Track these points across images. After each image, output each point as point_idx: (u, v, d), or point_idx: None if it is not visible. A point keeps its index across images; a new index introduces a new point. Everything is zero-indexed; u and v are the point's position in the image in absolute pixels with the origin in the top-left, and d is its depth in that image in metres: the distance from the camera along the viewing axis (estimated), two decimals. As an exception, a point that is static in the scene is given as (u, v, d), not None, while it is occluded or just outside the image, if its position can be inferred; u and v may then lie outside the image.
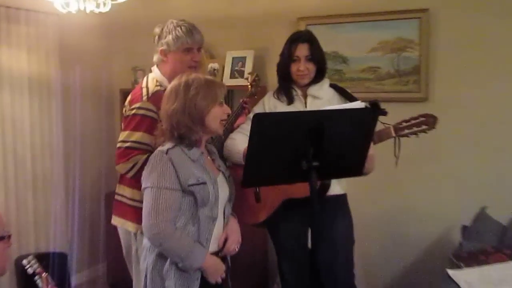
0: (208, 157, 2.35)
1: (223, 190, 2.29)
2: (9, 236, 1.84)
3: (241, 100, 3.03)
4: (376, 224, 3.80)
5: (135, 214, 2.54)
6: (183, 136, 2.19)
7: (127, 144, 2.52)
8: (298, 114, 2.24)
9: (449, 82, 3.56)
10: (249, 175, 2.04)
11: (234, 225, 2.39)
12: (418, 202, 3.68)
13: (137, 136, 2.51)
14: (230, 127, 2.87)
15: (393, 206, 3.76)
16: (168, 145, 2.20)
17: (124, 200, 2.68)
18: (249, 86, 3.14)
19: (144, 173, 2.22)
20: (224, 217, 2.32)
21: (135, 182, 2.45)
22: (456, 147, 3.57)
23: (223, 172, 2.36)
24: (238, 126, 2.88)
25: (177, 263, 2.14)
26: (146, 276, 2.22)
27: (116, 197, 2.77)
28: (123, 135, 2.58)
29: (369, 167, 2.37)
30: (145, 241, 2.26)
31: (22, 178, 3.85)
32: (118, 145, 2.57)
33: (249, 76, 3.29)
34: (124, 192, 2.67)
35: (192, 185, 2.15)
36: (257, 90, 3.16)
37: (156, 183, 2.13)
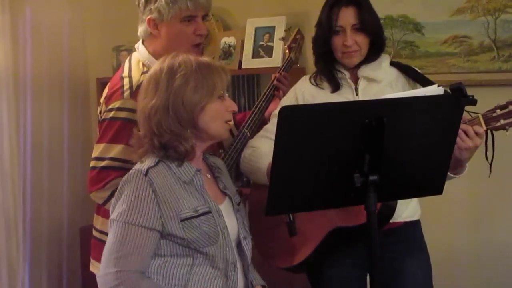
0: (208, 176, 2.32)
1: (231, 224, 2.24)
2: None
3: (273, 75, 3.00)
4: (468, 263, 3.74)
5: None
6: (167, 145, 2.15)
7: (103, 163, 2.52)
8: (346, 106, 2.21)
9: None
10: (275, 198, 2.01)
11: None
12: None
13: (117, 150, 2.50)
14: (258, 118, 2.88)
15: (493, 237, 3.69)
16: (148, 161, 2.16)
17: (104, 238, 2.65)
18: (287, 50, 3.10)
19: (116, 197, 2.17)
20: (242, 259, 2.28)
21: None
22: None
23: (230, 197, 2.33)
24: (270, 117, 2.86)
25: None
26: None
27: (94, 233, 2.77)
28: (97, 150, 2.57)
29: (469, 157, 2.37)
30: None
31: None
32: (92, 164, 2.57)
33: (286, 33, 3.23)
34: (103, 226, 2.66)
35: (189, 218, 2.10)
36: (300, 56, 3.12)
37: (126, 215, 2.08)
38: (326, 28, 2.63)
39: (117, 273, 2.05)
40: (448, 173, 2.39)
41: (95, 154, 2.57)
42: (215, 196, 2.24)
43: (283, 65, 3.03)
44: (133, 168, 2.17)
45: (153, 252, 2.10)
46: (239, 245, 2.27)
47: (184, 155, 2.16)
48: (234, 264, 2.19)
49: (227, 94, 2.26)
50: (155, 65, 2.26)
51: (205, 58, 2.24)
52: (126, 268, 2.05)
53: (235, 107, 2.28)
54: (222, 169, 2.42)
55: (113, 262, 2.06)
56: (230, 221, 2.24)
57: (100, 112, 2.68)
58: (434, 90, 2.23)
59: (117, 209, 2.12)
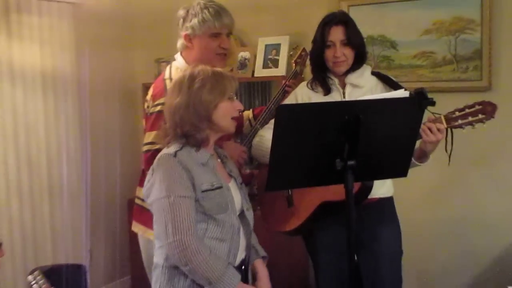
0: (218, 160, 2.30)
1: (236, 199, 2.22)
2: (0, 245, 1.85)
3: (283, 82, 2.98)
4: (432, 232, 3.70)
5: None
6: (188, 134, 2.14)
7: (157, 147, 2.49)
8: (329, 105, 2.18)
9: (517, 68, 3.42)
10: (273, 177, 2.00)
11: (265, 273, 2.35)
12: (481, 207, 3.55)
13: None
14: (269, 117, 2.85)
15: (451, 211, 3.64)
16: (174, 146, 2.15)
17: (145, 205, 2.66)
18: (293, 64, 3.07)
19: (151, 181, 2.14)
20: (245, 225, 2.26)
21: None
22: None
23: (235, 178, 2.31)
24: None
25: (205, 286, 2.06)
26: None
27: (136, 201, 2.79)
28: (149, 137, 2.56)
29: (432, 150, 2.34)
30: (157, 259, 2.20)
31: (37, 184, 3.90)
32: (146, 148, 2.56)
33: (293, 51, 3.22)
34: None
35: (207, 190, 2.09)
36: (304, 69, 3.08)
37: (172, 191, 2.05)
38: (320, 43, 2.60)
39: (181, 239, 2.01)
40: (415, 161, 2.37)
41: (148, 140, 2.56)
42: (224, 177, 2.23)
43: (290, 75, 3.02)
44: (161, 153, 2.16)
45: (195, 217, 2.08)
46: (242, 214, 2.25)
47: (200, 142, 2.15)
48: (238, 229, 2.17)
49: (235, 97, 2.23)
50: (179, 73, 2.26)
51: (218, 68, 2.23)
52: (187, 234, 2.02)
53: (241, 107, 2.25)
54: (227, 157, 2.40)
55: (172, 232, 2.02)
56: (236, 195, 2.23)
57: (148, 107, 2.68)
58: (401, 93, 2.21)
59: (160, 189, 2.08)
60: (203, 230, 2.10)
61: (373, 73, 2.70)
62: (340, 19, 2.59)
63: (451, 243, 3.65)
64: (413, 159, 2.34)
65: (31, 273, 2.13)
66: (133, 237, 2.94)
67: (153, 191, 2.12)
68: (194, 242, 2.02)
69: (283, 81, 3.02)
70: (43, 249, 3.95)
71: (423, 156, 2.41)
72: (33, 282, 2.08)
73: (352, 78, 2.63)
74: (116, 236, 4.54)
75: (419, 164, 2.43)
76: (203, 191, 2.09)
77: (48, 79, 3.93)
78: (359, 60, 2.63)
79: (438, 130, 2.29)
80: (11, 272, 3.71)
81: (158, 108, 2.55)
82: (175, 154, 2.10)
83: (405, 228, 2.71)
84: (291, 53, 3.29)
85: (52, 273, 3.12)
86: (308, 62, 2.94)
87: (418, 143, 2.33)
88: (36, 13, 3.83)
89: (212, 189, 2.11)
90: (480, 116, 2.28)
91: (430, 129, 2.28)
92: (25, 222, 3.83)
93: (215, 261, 2.04)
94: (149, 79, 4.35)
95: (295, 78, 2.99)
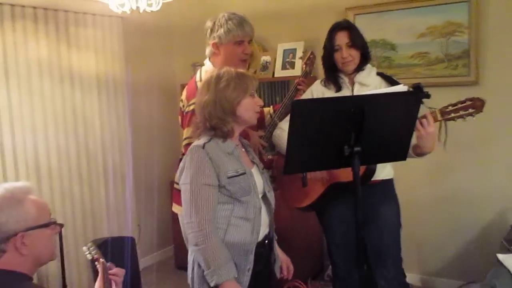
0: (243, 149, 2.23)
1: (258, 183, 2.15)
2: (55, 223, 1.81)
3: (295, 81, 2.92)
4: (427, 208, 3.62)
5: None
6: (215, 127, 2.07)
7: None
8: (337, 99, 2.11)
9: (500, 65, 3.30)
10: (290, 162, 1.94)
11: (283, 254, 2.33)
12: (470, 186, 3.46)
13: None
14: (285, 111, 2.77)
15: (444, 190, 3.56)
16: (204, 139, 2.09)
17: None
18: (303, 65, 3.00)
19: (181, 167, 2.09)
20: (267, 205, 2.19)
21: None
22: (508, 131, 3.32)
23: (257, 165, 2.23)
24: None
25: (204, 269, 1.98)
26: (193, 269, 2.10)
27: (175, 185, 2.74)
28: (188, 132, 2.49)
29: (428, 146, 2.20)
30: None
31: (94, 170, 3.91)
32: (186, 141, 2.50)
33: (303, 54, 3.14)
34: None
35: (232, 177, 2.02)
36: (312, 69, 3.02)
37: (195, 179, 2.00)
38: (329, 47, 2.54)
39: (198, 222, 1.97)
40: (412, 154, 2.27)
41: (186, 134, 2.50)
42: (247, 163, 2.16)
43: (301, 75, 2.95)
44: (193, 144, 2.10)
45: (217, 202, 2.02)
46: (264, 196, 2.17)
47: (227, 134, 2.08)
48: (260, 209, 2.10)
49: (256, 94, 2.16)
50: (207, 74, 2.18)
51: (241, 70, 2.16)
52: (203, 219, 1.97)
53: (261, 102, 2.16)
54: (250, 146, 2.33)
55: (194, 214, 1.98)
56: (258, 180, 2.16)
57: (183, 106, 2.62)
58: (400, 88, 2.12)
59: (186, 175, 2.03)
60: (229, 210, 2.04)
61: (378, 74, 2.61)
62: (344, 25, 2.52)
63: (443, 218, 3.58)
64: (411, 152, 2.25)
65: (86, 245, 2.09)
66: (175, 213, 2.91)
67: (182, 176, 2.07)
68: (208, 227, 1.97)
69: (296, 80, 2.95)
70: (100, 223, 3.95)
71: (418, 151, 2.29)
72: (87, 253, 2.05)
73: (360, 77, 2.54)
74: (158, 213, 4.52)
75: (415, 157, 2.32)
76: (228, 178, 2.02)
77: (101, 81, 3.92)
78: (364, 59, 2.55)
79: (428, 123, 2.17)
80: (73, 243, 3.73)
81: (192, 107, 2.48)
82: (203, 146, 2.04)
83: (404, 205, 2.63)
84: (301, 56, 3.23)
85: (105, 244, 3.11)
86: (315, 63, 2.88)
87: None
88: (90, 26, 3.82)
89: (237, 175, 2.04)
90: (471, 110, 2.18)
91: (421, 124, 2.18)
92: (85, 201, 3.84)
93: (221, 251, 1.97)
94: (186, 80, 4.25)
95: (305, 77, 2.92)
